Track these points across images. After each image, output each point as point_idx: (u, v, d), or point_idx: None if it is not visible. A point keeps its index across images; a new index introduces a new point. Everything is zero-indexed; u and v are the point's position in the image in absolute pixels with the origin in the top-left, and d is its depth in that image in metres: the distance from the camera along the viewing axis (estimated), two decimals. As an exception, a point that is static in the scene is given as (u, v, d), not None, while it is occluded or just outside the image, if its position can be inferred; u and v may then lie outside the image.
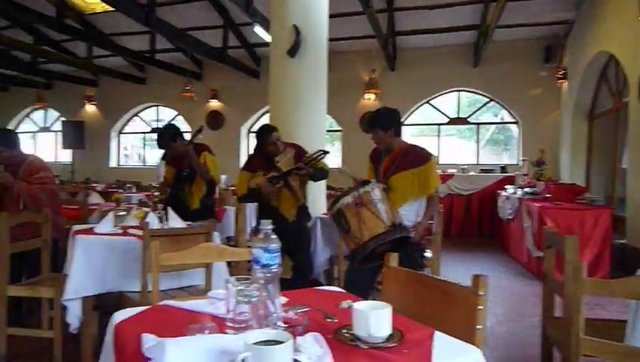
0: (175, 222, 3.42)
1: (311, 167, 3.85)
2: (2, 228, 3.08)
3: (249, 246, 2.17)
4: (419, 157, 3.19)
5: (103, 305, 3.59)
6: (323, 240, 4.49)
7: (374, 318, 1.22)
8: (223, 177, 10.58)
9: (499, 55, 9.59)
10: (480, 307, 1.45)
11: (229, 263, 3.15)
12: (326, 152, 3.96)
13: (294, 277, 4.00)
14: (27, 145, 14.53)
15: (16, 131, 14.48)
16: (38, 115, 14.44)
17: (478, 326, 1.46)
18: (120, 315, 1.44)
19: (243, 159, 11.68)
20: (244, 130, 11.98)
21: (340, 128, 11.01)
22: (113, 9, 7.76)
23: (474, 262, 6.96)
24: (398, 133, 3.28)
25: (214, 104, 12.01)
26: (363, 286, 3.23)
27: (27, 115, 14.52)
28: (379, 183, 2.98)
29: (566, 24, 8.74)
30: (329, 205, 3.06)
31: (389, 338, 1.25)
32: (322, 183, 5.21)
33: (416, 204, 3.20)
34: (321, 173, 4.02)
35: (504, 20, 7.79)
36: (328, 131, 7.17)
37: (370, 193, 2.81)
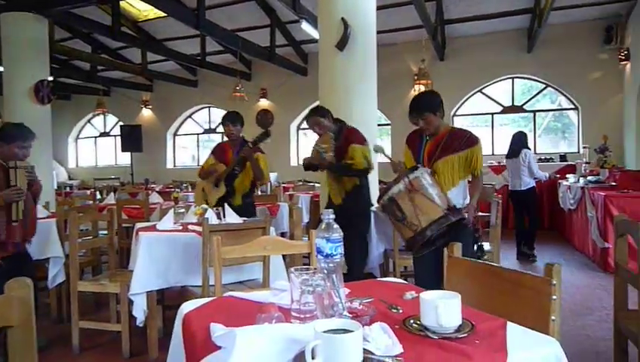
0: (232, 218, 3.48)
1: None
2: (73, 228, 3.24)
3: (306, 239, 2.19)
4: (465, 139, 3.10)
5: (165, 299, 3.73)
6: (377, 234, 4.45)
7: (444, 308, 1.18)
8: (274, 174, 10.78)
9: (554, 39, 9.18)
10: (554, 297, 1.38)
11: (284, 257, 3.19)
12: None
13: (350, 271, 3.97)
14: (89, 150, 15.30)
15: (79, 136, 15.34)
16: (98, 121, 15.15)
17: (552, 318, 1.39)
18: (187, 306, 1.47)
19: (293, 156, 11.79)
20: (293, 127, 12.07)
21: (388, 122, 10.89)
22: (165, 15, 8.00)
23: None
24: (443, 115, 3.21)
25: (264, 103, 12.19)
26: (434, 278, 3.17)
27: (88, 121, 15.27)
28: (425, 168, 2.94)
29: (627, 1, 8.24)
30: (378, 196, 3.01)
31: (460, 328, 1.20)
32: (374, 177, 5.15)
33: (462, 185, 3.15)
34: (339, 167, 4.00)
35: (559, 2, 7.45)
36: (378, 125, 7.09)
37: (421, 178, 2.77)
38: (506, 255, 6.10)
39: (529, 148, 6.38)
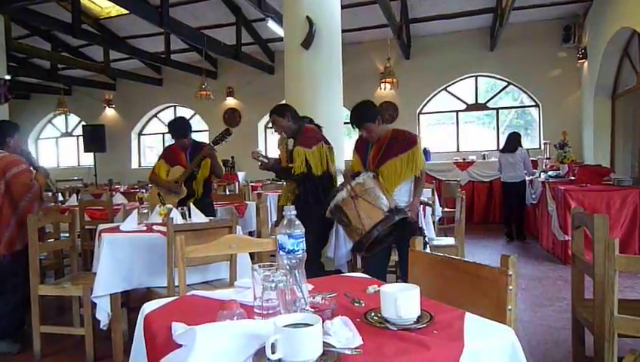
0: (198, 217, 3.45)
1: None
2: (32, 231, 3.15)
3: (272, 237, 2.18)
4: (406, 142, 3.25)
5: (130, 301, 3.67)
6: (344, 232, 4.48)
7: (403, 300, 1.20)
8: (242, 173, 10.71)
9: (516, 37, 9.41)
10: (510, 287, 1.43)
11: (252, 256, 3.17)
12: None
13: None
14: (50, 151, 14.83)
15: (40, 137, 14.88)
16: (59, 121, 14.70)
17: (508, 307, 1.43)
18: (149, 306, 1.46)
19: (261, 155, 11.69)
20: (260, 126, 12.01)
21: (356, 120, 10.93)
22: (127, 12, 7.83)
23: (497, 248, 6.87)
24: (383, 120, 3.35)
25: (230, 102, 12.08)
26: (381, 271, 3.31)
27: (49, 121, 14.80)
28: (368, 172, 3.10)
29: (585, 2, 8.53)
30: (326, 204, 3.17)
31: (419, 319, 1.23)
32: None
33: (407, 185, 3.28)
34: (280, 170, 4.00)
35: (520, 2, 7.64)
36: (344, 123, 7.13)
37: (363, 184, 2.98)
38: (470, 249, 6.25)
39: (522, 147, 7.29)
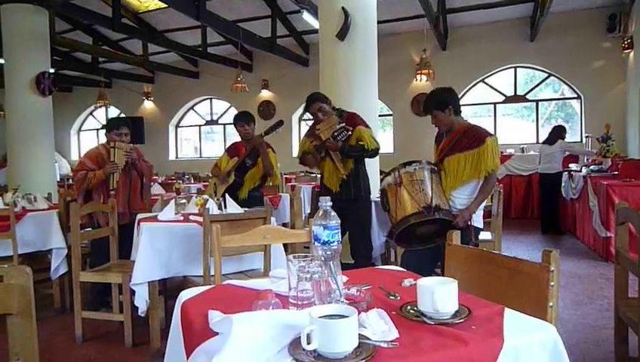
0: (233, 208, 3.48)
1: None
2: (74, 218, 3.25)
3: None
4: (475, 138, 2.97)
5: (167, 289, 3.75)
6: (378, 224, 4.44)
7: (440, 294, 1.18)
8: (277, 166, 10.76)
9: (557, 27, 9.10)
10: (552, 283, 1.38)
11: (285, 247, 3.19)
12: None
13: (356, 262, 3.97)
14: (91, 142, 15.28)
15: (81, 129, 15.36)
16: (100, 113, 15.13)
17: (550, 304, 1.39)
18: (186, 294, 1.48)
19: (295, 147, 11.77)
20: (295, 118, 12.04)
21: (390, 112, 10.85)
22: (166, 5, 7.96)
23: (535, 244, 6.69)
24: (458, 112, 3.10)
25: (265, 94, 12.16)
26: (423, 270, 3.20)
27: (90, 113, 15.27)
28: (427, 164, 2.94)
29: (632, -11, 8.17)
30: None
31: (456, 314, 1.21)
32: (375, 166, 5.13)
33: (470, 186, 3.00)
34: (350, 148, 3.84)
35: (563, -10, 7.39)
36: (379, 116, 7.07)
37: (412, 174, 2.81)
38: (507, 244, 6.11)
39: (563, 139, 7.36)
